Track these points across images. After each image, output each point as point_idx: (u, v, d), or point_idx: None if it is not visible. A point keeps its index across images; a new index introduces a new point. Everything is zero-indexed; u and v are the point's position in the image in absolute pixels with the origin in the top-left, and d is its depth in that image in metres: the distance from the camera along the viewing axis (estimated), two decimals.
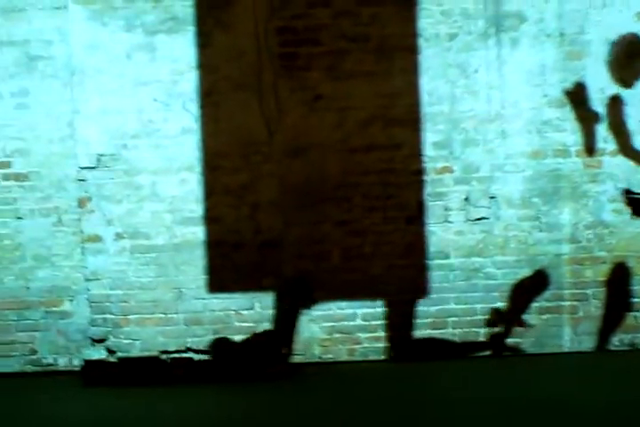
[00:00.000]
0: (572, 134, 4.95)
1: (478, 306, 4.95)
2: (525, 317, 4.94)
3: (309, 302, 4.90)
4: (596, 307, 4.97)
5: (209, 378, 4.73)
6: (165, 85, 4.84)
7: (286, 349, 4.87)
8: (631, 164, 4.96)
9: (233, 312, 4.88)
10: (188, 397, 4.41)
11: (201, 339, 4.85)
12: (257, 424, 3.91)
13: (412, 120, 4.89)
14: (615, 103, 4.90)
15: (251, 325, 4.86)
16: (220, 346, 4.81)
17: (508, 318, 4.93)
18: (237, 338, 4.82)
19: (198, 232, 4.85)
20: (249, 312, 4.88)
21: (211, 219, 4.85)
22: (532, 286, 4.94)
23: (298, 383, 4.61)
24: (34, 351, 5.08)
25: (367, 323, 4.93)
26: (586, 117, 4.93)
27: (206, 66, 4.83)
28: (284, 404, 4.23)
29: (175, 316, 4.86)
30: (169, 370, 4.80)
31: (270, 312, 4.86)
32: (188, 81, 4.84)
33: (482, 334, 4.96)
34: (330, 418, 3.93)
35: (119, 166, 4.84)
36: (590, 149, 4.88)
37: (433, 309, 4.95)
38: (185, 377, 4.75)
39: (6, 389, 4.76)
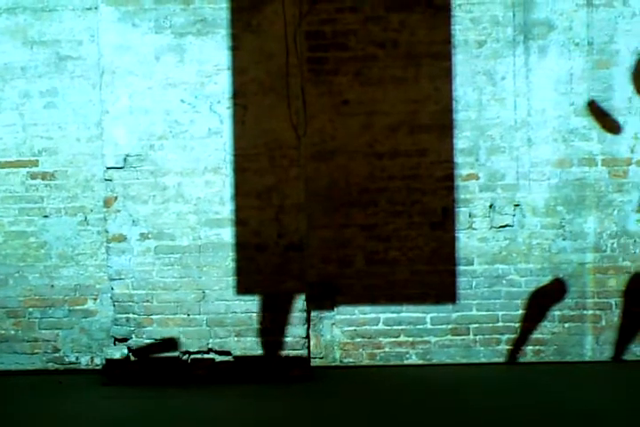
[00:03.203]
0: (598, 143, 4.95)
1: (500, 313, 4.96)
2: None
3: (332, 306, 4.90)
4: (619, 316, 4.97)
5: (229, 379, 4.75)
6: (193, 87, 4.85)
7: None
8: None
9: (255, 314, 4.89)
10: (208, 398, 4.42)
11: (223, 340, 4.87)
12: None
13: (438, 126, 4.91)
14: None
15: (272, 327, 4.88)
16: None
17: None
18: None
19: (223, 234, 4.86)
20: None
21: (235, 221, 4.86)
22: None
23: (317, 387, 4.61)
24: (56, 349, 5.12)
25: (389, 328, 4.94)
26: None
27: (234, 68, 4.85)
28: (302, 407, 4.22)
29: (198, 317, 4.87)
30: (190, 371, 4.82)
31: (292, 315, 4.87)
32: (216, 83, 4.85)
33: (503, 340, 4.97)
34: (346, 423, 3.92)
35: (146, 167, 4.86)
36: None
37: (455, 315, 4.96)
38: (206, 378, 4.77)
39: (28, 386, 4.77)
